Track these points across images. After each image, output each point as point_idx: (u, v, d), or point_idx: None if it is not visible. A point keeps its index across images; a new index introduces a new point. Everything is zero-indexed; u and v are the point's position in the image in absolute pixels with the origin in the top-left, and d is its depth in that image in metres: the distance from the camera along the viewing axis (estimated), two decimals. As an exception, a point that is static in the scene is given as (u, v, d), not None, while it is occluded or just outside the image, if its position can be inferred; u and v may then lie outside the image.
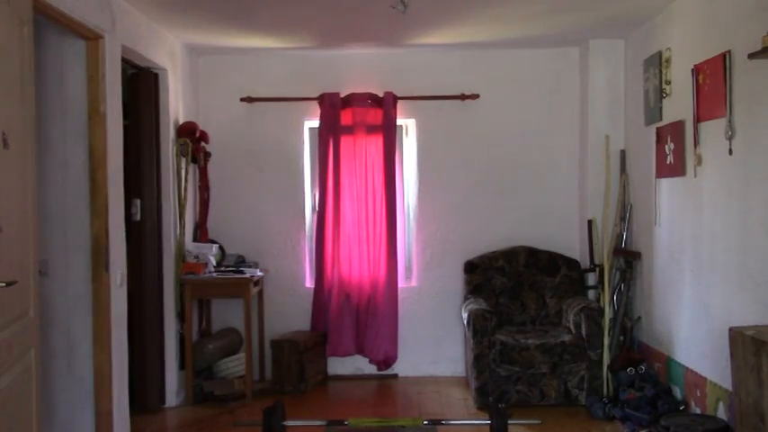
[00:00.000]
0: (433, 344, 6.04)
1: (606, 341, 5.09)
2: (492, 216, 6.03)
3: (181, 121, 5.51)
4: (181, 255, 5.41)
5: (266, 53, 5.96)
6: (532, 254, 5.81)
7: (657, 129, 4.86)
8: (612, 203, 5.57)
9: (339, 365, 6.04)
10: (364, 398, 5.57)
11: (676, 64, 4.62)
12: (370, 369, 5.98)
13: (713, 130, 4.05)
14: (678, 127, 4.49)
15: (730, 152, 3.82)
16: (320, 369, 5.88)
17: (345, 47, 5.84)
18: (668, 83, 4.72)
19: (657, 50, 4.89)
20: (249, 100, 6.03)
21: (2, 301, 2.48)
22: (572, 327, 5.27)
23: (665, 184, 4.80)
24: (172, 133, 5.31)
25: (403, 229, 6.11)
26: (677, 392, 4.61)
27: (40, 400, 2.86)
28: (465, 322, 5.39)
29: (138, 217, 5.02)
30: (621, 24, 5.23)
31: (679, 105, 4.53)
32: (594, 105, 5.73)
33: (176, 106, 5.45)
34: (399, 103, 5.93)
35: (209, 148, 5.88)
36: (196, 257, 5.49)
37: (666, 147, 4.69)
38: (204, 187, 5.88)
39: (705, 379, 4.21)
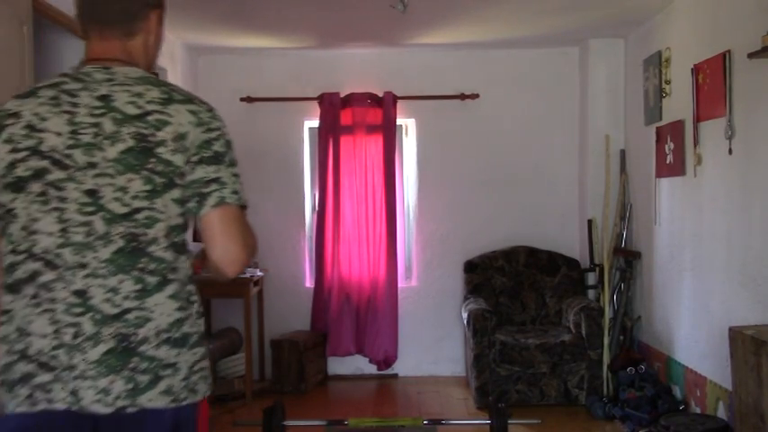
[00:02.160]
0: (433, 344, 6.04)
1: (606, 341, 5.09)
2: (492, 216, 6.03)
3: (181, 121, 5.50)
4: None
5: (266, 53, 5.97)
6: (532, 254, 5.81)
7: (657, 128, 4.86)
8: (612, 203, 5.58)
9: (339, 365, 6.04)
10: (364, 398, 5.58)
11: (676, 63, 4.62)
12: (370, 369, 5.98)
13: (713, 129, 4.06)
14: (678, 127, 4.50)
15: (730, 152, 3.82)
16: (320, 369, 5.88)
17: (345, 47, 5.84)
18: (668, 82, 4.73)
19: (657, 50, 4.89)
20: (249, 100, 6.04)
21: (2, 300, 2.47)
22: (572, 326, 5.27)
23: (665, 183, 4.81)
24: (172, 133, 5.30)
25: (403, 229, 6.11)
26: (677, 392, 4.61)
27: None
28: (465, 322, 5.39)
29: (138, 217, 5.02)
30: (621, 24, 5.23)
31: (679, 105, 4.54)
32: (594, 105, 5.73)
33: (176, 106, 5.45)
34: (399, 103, 5.93)
35: (208, 148, 5.87)
36: (196, 257, 5.48)
37: (666, 146, 4.69)
38: (204, 187, 5.87)
39: (705, 379, 4.21)
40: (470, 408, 5.16)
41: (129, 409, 1.58)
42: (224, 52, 5.95)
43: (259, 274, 5.70)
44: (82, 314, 1.57)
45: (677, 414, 4.19)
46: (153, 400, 1.59)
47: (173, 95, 1.67)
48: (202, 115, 1.68)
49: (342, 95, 5.92)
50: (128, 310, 1.58)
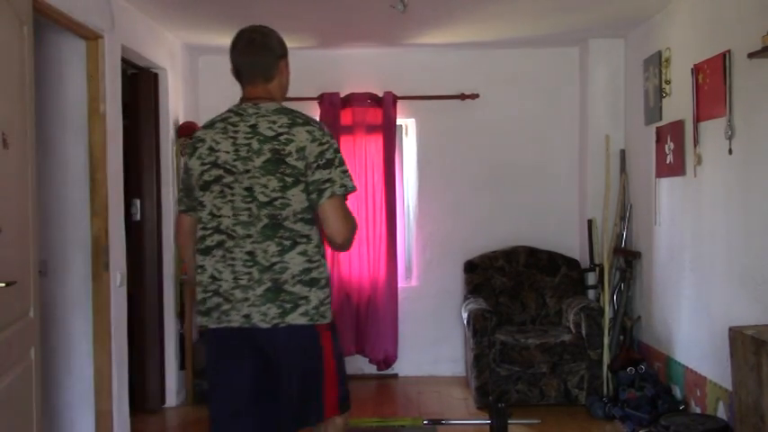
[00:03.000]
0: (432, 344, 6.03)
1: (606, 341, 5.09)
2: (492, 216, 6.03)
3: (181, 121, 5.51)
4: (181, 255, 5.41)
5: (266, 53, 5.95)
6: (532, 254, 5.81)
7: (657, 128, 4.86)
8: (612, 203, 5.58)
9: (339, 365, 6.03)
10: (364, 398, 5.57)
11: (676, 63, 4.62)
12: (370, 369, 5.98)
13: (713, 129, 4.06)
14: (678, 127, 4.49)
15: (730, 152, 3.82)
16: (320, 369, 5.87)
17: (345, 47, 5.84)
18: (668, 82, 4.72)
19: (657, 50, 4.89)
20: (249, 100, 6.03)
21: (2, 301, 2.48)
22: (572, 326, 5.27)
23: (665, 183, 4.80)
24: (172, 133, 5.31)
25: (403, 229, 6.11)
26: (677, 392, 4.61)
27: (40, 400, 2.86)
28: (465, 322, 5.39)
29: (138, 217, 5.02)
30: (621, 24, 5.23)
31: (679, 105, 4.54)
32: (594, 105, 5.73)
33: (176, 106, 5.45)
34: (399, 103, 5.93)
35: (209, 148, 5.88)
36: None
37: (666, 146, 4.69)
38: (204, 187, 5.88)
39: (705, 378, 4.21)
40: (470, 408, 5.16)
41: (281, 325, 2.53)
42: (224, 52, 5.84)
43: (259, 274, 5.69)
44: (252, 266, 2.53)
45: (677, 414, 4.19)
46: (295, 319, 2.54)
47: (295, 120, 2.59)
48: (315, 133, 2.57)
49: (342, 95, 5.92)
50: (275, 263, 2.53)
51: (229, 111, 2.62)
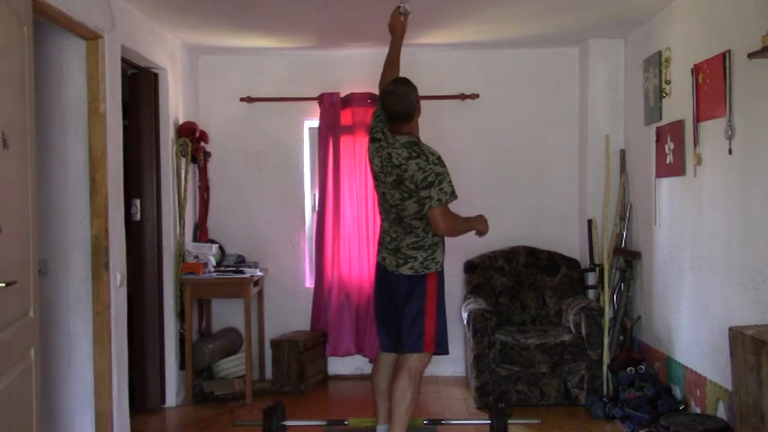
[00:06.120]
0: (433, 344, 6.01)
1: (606, 341, 5.09)
2: (492, 216, 5.93)
3: (181, 121, 5.51)
4: (180, 255, 5.41)
5: (266, 53, 5.96)
6: (532, 254, 5.81)
7: (657, 128, 4.86)
8: (612, 203, 5.57)
9: (339, 365, 6.04)
10: (364, 398, 5.55)
11: (676, 63, 4.62)
12: (370, 369, 5.96)
13: (713, 129, 4.06)
14: (678, 126, 4.50)
15: (730, 152, 3.83)
16: (320, 369, 5.88)
17: (345, 47, 5.84)
18: (668, 82, 4.72)
19: (657, 50, 4.89)
20: (249, 100, 6.04)
21: (2, 301, 2.48)
22: (572, 326, 5.27)
23: (665, 183, 4.81)
24: (172, 133, 5.31)
25: (403, 228, 6.11)
26: (677, 392, 4.61)
27: (40, 400, 2.86)
28: (465, 322, 5.39)
29: (138, 217, 5.02)
30: (621, 24, 5.23)
31: (679, 105, 4.53)
32: (594, 105, 5.73)
33: (176, 106, 5.45)
34: (399, 103, 5.91)
35: (208, 148, 5.89)
36: (196, 257, 5.49)
37: (666, 146, 4.69)
38: (204, 187, 5.88)
39: (705, 378, 4.21)
40: (470, 408, 5.16)
41: (396, 273, 3.80)
42: (224, 52, 5.95)
43: (259, 274, 5.69)
44: (388, 236, 3.84)
45: (677, 414, 4.19)
46: (404, 271, 3.78)
47: (411, 154, 3.61)
48: (422, 164, 3.59)
49: (342, 95, 5.92)
50: (397, 238, 3.79)
51: (383, 132, 3.73)
